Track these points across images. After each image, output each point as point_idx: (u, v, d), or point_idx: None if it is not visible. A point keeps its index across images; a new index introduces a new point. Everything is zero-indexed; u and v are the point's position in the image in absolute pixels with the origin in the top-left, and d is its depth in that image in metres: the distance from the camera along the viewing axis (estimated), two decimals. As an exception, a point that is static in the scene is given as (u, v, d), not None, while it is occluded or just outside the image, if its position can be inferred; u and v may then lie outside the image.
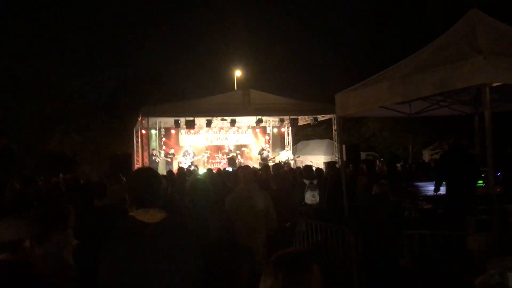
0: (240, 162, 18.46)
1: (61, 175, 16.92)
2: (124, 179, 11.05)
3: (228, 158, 18.53)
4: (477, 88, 5.81)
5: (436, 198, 7.24)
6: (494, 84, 4.82)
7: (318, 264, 1.75)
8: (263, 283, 1.71)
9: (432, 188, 7.40)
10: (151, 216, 2.39)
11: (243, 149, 20.62)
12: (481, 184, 7.13)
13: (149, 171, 2.75)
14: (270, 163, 17.37)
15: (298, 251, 1.85)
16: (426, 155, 24.44)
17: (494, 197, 4.80)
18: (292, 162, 18.54)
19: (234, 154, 18.78)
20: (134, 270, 2.26)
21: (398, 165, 13.19)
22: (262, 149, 19.58)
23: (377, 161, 17.12)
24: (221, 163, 19.04)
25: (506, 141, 17.56)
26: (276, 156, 19.49)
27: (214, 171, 11.36)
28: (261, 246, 4.64)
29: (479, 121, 8.18)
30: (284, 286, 1.66)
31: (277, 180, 6.19)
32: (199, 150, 19.52)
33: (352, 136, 27.84)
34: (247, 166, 6.89)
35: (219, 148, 20.18)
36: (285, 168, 12.32)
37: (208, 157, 19.65)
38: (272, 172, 8.50)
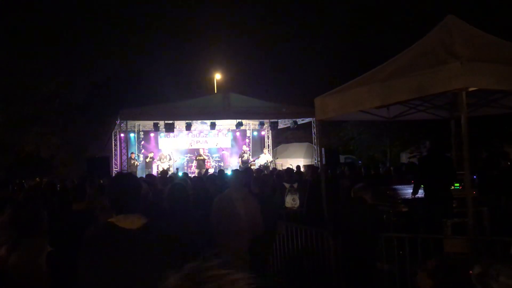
0: (223, 166, 18.39)
1: (37, 178, 16.61)
2: (101, 181, 10.91)
3: (196, 160, 18.36)
4: (453, 93, 5.92)
5: (413, 201, 7.34)
6: (470, 89, 4.91)
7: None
8: None
9: (410, 191, 7.50)
10: (131, 222, 2.35)
11: (223, 152, 20.58)
12: (458, 187, 7.25)
13: (129, 176, 2.71)
14: (253, 166, 17.40)
15: None
16: (404, 159, 24.77)
17: (470, 200, 4.88)
18: (271, 165, 18.57)
19: (202, 157, 18.57)
20: (113, 277, 2.22)
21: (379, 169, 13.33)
22: (243, 152, 19.55)
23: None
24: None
25: (482, 144, 17.95)
26: (256, 159, 19.49)
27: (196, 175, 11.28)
28: (243, 251, 4.60)
29: (455, 125, 8.33)
30: None
31: (258, 183, 6.17)
32: (178, 153, 19.38)
33: (331, 140, 28.03)
34: (237, 170, 6.85)
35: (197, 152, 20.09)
36: (265, 172, 12.34)
37: (187, 161, 19.54)
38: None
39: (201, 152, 18.91)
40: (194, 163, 18.62)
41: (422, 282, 2.66)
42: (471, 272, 2.14)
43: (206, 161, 18.71)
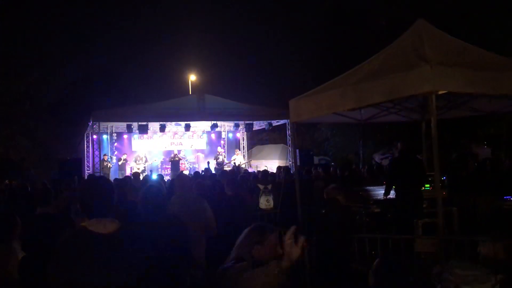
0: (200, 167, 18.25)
1: (6, 181, 16.14)
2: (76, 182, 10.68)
3: (171, 162, 18.21)
4: (424, 96, 6.06)
5: (385, 202, 7.47)
6: (440, 92, 5.04)
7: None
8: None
9: (382, 192, 7.63)
10: (103, 226, 2.31)
11: (198, 154, 20.47)
12: (428, 188, 7.41)
13: (102, 180, 2.67)
14: (226, 168, 17.36)
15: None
16: (377, 160, 25.19)
17: (440, 201, 5.01)
18: (244, 166, 18.57)
19: (177, 159, 18.43)
20: (85, 282, 2.18)
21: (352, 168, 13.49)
22: (218, 154, 19.49)
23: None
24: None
25: (451, 146, 18.42)
26: (231, 161, 19.46)
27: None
28: (201, 257, 4.59)
29: (425, 127, 8.53)
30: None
31: (232, 185, 6.17)
32: (155, 155, 19.19)
33: (305, 141, 28.27)
34: (182, 174, 6.79)
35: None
36: (241, 173, 12.33)
37: (161, 162, 19.36)
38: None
39: (176, 153, 18.76)
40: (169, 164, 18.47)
41: (369, 280, 2.71)
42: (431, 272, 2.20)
43: (181, 162, 18.56)
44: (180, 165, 18.38)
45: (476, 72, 5.08)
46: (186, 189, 4.87)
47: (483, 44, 6.12)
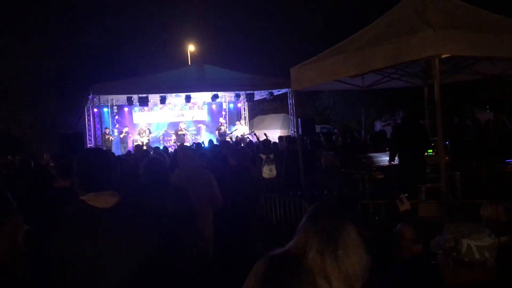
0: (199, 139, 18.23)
1: (9, 156, 16.21)
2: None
3: (177, 135, 18.17)
4: (426, 61, 5.98)
5: (389, 168, 7.48)
6: (443, 56, 4.97)
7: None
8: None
9: (385, 158, 7.63)
10: (103, 200, 2.27)
11: (200, 125, 20.43)
12: (431, 153, 7.40)
13: (99, 152, 2.62)
14: (228, 139, 17.35)
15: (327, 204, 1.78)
16: (378, 127, 25.16)
17: (443, 166, 5.01)
18: (249, 137, 18.55)
19: (183, 132, 18.39)
20: (86, 257, 2.17)
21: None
22: (220, 125, 19.45)
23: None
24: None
25: (454, 110, 18.34)
26: (233, 131, 19.43)
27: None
28: (206, 229, 4.62)
29: (428, 92, 8.46)
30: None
31: (236, 156, 6.18)
32: (158, 127, 19.17)
33: (307, 110, 28.17)
34: (185, 145, 6.71)
35: (176, 125, 19.90)
36: (242, 144, 12.34)
37: (163, 134, 19.36)
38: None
39: (182, 126, 18.71)
40: (173, 137, 18.45)
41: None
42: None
43: (185, 135, 18.54)
44: (185, 137, 18.35)
45: (479, 35, 4.99)
46: (189, 161, 4.85)
47: (488, 6, 5.98)
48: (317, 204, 1.76)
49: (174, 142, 17.90)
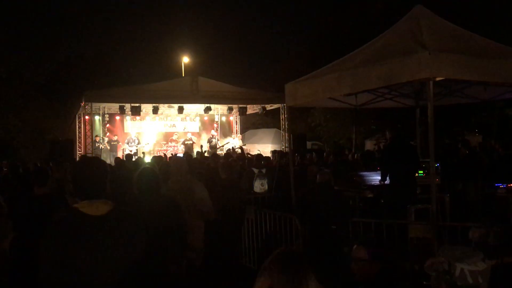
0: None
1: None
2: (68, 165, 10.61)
3: (185, 145, 18.17)
4: (419, 82, 6.05)
5: (379, 187, 7.50)
6: (438, 79, 5.03)
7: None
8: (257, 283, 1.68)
9: (376, 177, 7.65)
10: (96, 208, 2.28)
11: (191, 137, 20.39)
12: (422, 174, 7.45)
13: (94, 161, 2.63)
14: (219, 151, 17.32)
15: (293, 250, 1.84)
16: (369, 146, 25.29)
17: (434, 187, 5.04)
18: (239, 150, 18.53)
19: (191, 141, 18.42)
20: (77, 264, 2.16)
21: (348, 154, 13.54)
22: (211, 137, 19.42)
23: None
24: (168, 151, 18.67)
25: (444, 133, 18.52)
26: (225, 144, 19.40)
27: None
28: (198, 241, 4.58)
29: (420, 113, 8.54)
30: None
31: (225, 169, 6.16)
32: (145, 137, 19.09)
33: (298, 126, 28.25)
34: (178, 157, 6.70)
35: (166, 136, 19.81)
36: (234, 157, 12.32)
37: (154, 145, 19.27)
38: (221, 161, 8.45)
39: (189, 136, 18.72)
40: (182, 147, 18.40)
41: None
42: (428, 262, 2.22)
43: (193, 144, 18.53)
44: (193, 146, 18.26)
45: (474, 59, 5.07)
46: (183, 173, 4.83)
47: (482, 31, 6.10)
48: (283, 249, 1.82)
49: (182, 151, 17.83)
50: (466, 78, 5.14)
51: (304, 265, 1.73)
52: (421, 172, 7.38)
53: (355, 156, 13.23)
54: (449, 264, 2.07)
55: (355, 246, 3.23)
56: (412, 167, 7.07)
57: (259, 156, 10.59)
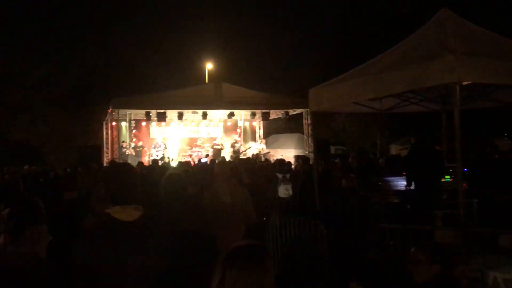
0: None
1: (26, 166, 16.46)
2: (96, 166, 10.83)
3: (213, 149, 18.39)
4: (445, 86, 5.98)
5: (404, 192, 7.42)
6: (464, 83, 4.97)
7: (270, 257, 1.73)
8: (215, 280, 1.67)
9: (402, 182, 7.58)
10: (128, 214, 2.34)
11: (220, 142, 20.55)
12: (448, 179, 7.34)
13: (126, 167, 2.70)
14: (242, 156, 17.41)
15: (250, 243, 1.80)
16: (393, 150, 24.97)
17: (461, 192, 4.96)
18: (262, 156, 18.58)
19: (220, 146, 18.64)
20: (111, 269, 2.22)
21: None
22: (235, 142, 19.54)
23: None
24: (192, 156, 18.88)
25: (472, 137, 18.16)
26: (248, 148, 19.48)
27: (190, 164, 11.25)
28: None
29: (446, 118, 8.42)
30: (237, 280, 1.63)
31: (249, 174, 6.21)
32: (169, 143, 19.36)
33: (321, 130, 28.10)
34: (224, 161, 6.78)
35: (190, 141, 20.03)
36: (258, 162, 12.37)
37: (179, 150, 19.51)
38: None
39: (219, 141, 18.91)
40: (211, 152, 18.61)
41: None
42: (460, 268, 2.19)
43: (222, 149, 18.74)
44: (221, 152, 18.44)
45: (501, 62, 4.98)
46: (227, 177, 4.86)
47: (508, 33, 5.99)
48: (240, 243, 1.80)
49: (206, 156, 18.04)
50: (493, 81, 5.06)
51: (266, 258, 1.71)
52: (448, 176, 7.28)
53: (380, 161, 13.13)
54: (481, 272, 2.03)
55: (413, 249, 3.23)
56: (437, 172, 6.98)
57: (281, 161, 10.60)
